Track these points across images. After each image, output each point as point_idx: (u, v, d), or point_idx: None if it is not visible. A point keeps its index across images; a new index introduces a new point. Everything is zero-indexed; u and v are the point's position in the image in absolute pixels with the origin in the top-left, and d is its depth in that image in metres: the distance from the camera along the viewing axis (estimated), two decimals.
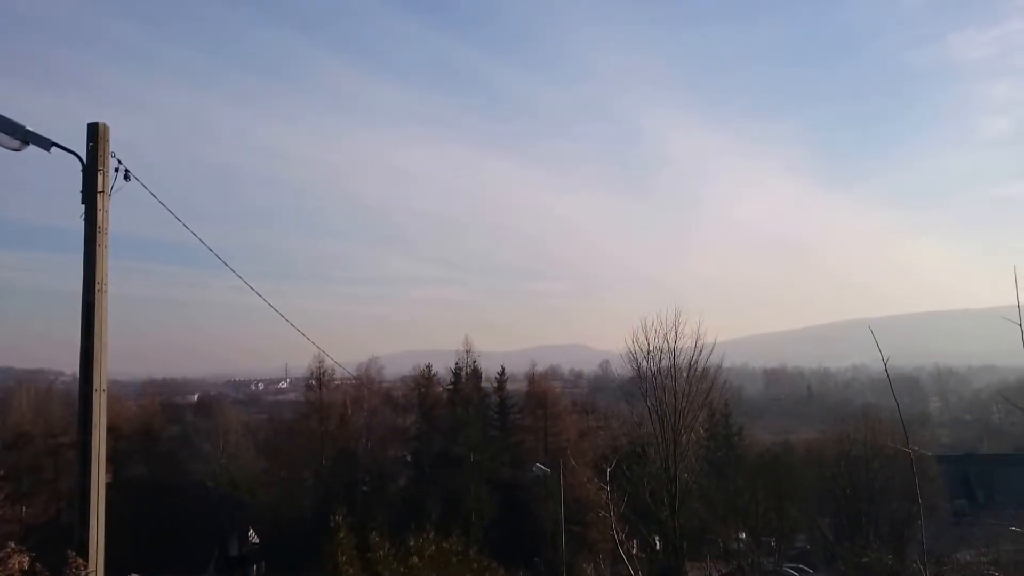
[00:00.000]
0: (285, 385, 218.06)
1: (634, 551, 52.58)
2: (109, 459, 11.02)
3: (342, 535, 33.30)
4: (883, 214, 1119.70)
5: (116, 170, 9.98)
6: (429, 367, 69.42)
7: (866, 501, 56.29)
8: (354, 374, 69.03)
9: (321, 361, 64.63)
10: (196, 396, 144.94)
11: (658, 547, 54.73)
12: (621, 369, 66.15)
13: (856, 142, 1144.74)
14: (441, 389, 68.44)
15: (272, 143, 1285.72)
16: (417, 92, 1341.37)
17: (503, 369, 69.36)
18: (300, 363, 73.22)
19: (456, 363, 66.38)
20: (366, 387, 69.16)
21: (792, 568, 56.86)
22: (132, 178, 10.07)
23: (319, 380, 66.05)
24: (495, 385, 68.53)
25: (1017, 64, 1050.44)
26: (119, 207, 9.92)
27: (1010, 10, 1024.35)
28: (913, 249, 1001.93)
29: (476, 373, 66.59)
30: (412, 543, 33.05)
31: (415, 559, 33.63)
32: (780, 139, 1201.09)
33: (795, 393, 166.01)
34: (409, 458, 67.37)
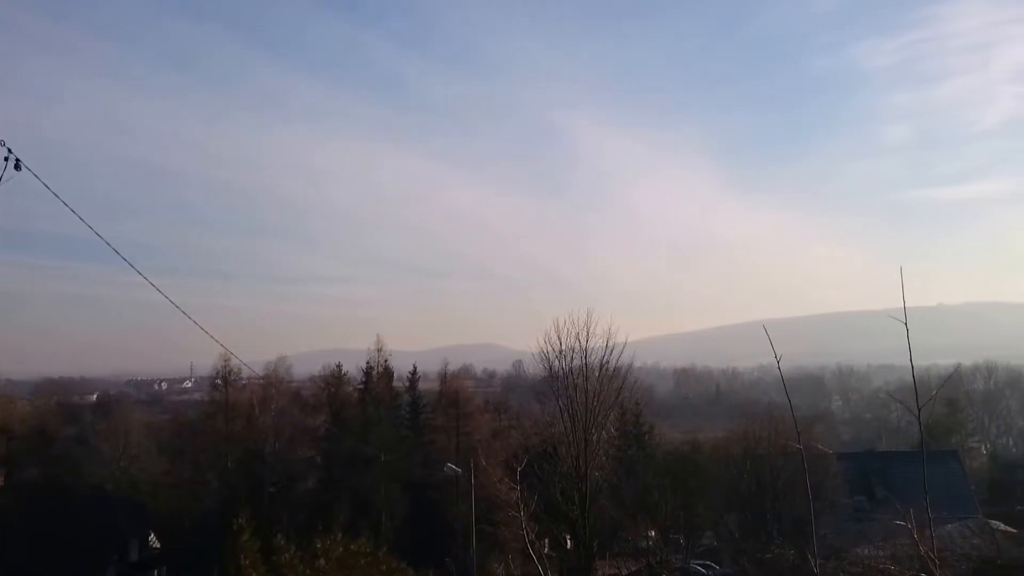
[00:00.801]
0: (190, 384, 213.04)
1: (545, 550, 52.67)
2: (1, 462, 10.31)
3: (245, 538, 32.39)
4: (790, 217, 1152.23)
5: (6, 159, 9.28)
6: (339, 366, 68.37)
7: (770, 498, 57.36)
8: (261, 373, 67.56)
9: (227, 360, 63.06)
10: (95, 396, 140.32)
11: (569, 546, 54.92)
12: (534, 368, 66.28)
13: (764, 146, 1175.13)
14: (351, 389, 67.47)
15: (187, 137, 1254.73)
16: (325, 86, 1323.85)
17: (415, 368, 68.75)
18: (206, 362, 71.45)
19: (367, 362, 65.52)
20: (274, 387, 67.79)
21: (699, 564, 57.60)
22: (23, 168, 9.42)
23: (225, 379, 64.42)
24: (407, 384, 67.88)
25: (918, 73, 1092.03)
26: (33, 201, 9.25)
27: (912, 21, 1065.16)
28: (818, 252, 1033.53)
29: (387, 372, 65.81)
30: (319, 545, 32.39)
31: (321, 561, 32.90)
32: (692, 142, 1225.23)
33: (704, 392, 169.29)
34: (318, 459, 66.19)
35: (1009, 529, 52.50)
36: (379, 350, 65.47)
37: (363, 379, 65.94)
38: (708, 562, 58.86)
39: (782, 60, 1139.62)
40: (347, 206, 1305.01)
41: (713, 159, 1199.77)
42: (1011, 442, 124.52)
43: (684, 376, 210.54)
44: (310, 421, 67.62)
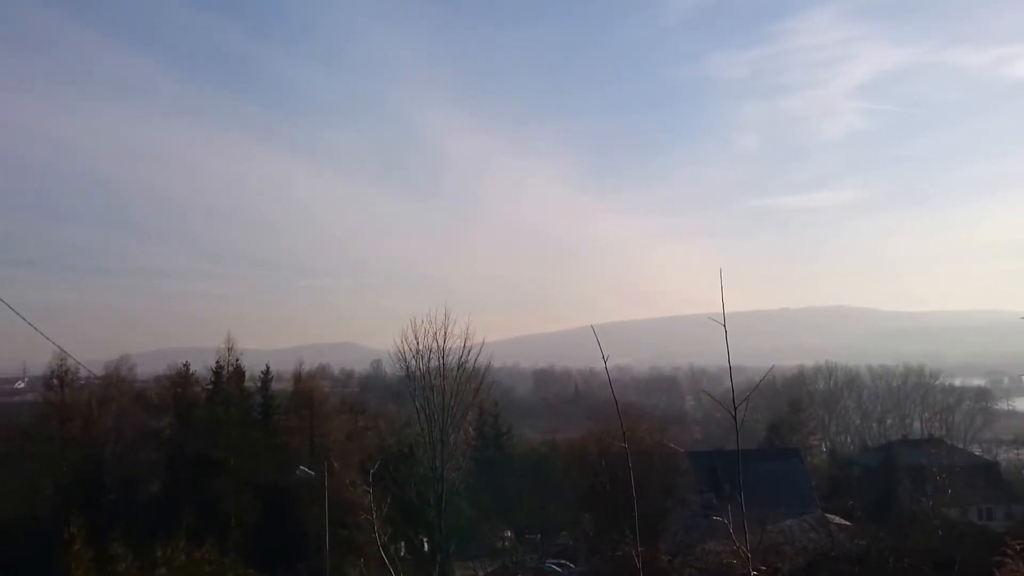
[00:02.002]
0: (22, 385, 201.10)
1: (401, 553, 51.92)
2: None
3: (77, 547, 30.59)
4: (650, 221, 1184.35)
5: None
6: (187, 365, 65.53)
7: (624, 496, 58.36)
8: (100, 373, 64.14)
9: (63, 359, 59.37)
10: None
11: (425, 548, 54.46)
12: (392, 368, 65.42)
13: (625, 151, 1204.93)
14: (200, 389, 64.73)
15: (27, 122, 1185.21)
16: (187, 79, 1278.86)
17: (268, 368, 66.62)
18: (40, 361, 67.21)
19: (217, 361, 62.89)
20: (115, 387, 64.52)
21: (555, 564, 58.08)
22: None
23: (60, 380, 60.68)
24: (259, 385, 65.69)
25: (768, 85, 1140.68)
26: None
27: (764, 35, 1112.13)
28: (676, 255, 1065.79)
29: (239, 372, 63.40)
30: (160, 553, 30.95)
31: (163, 570, 31.30)
32: (555, 145, 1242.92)
33: (563, 393, 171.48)
34: (163, 463, 63.28)
35: (844, 523, 54.92)
36: (230, 348, 62.95)
37: (212, 379, 63.36)
38: (564, 561, 59.42)
39: (642, 67, 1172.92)
40: (209, 200, 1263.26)
41: (575, 162, 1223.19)
42: (849, 440, 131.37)
43: (543, 377, 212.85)
44: (154, 423, 64.51)
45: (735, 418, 5.68)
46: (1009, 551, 7.01)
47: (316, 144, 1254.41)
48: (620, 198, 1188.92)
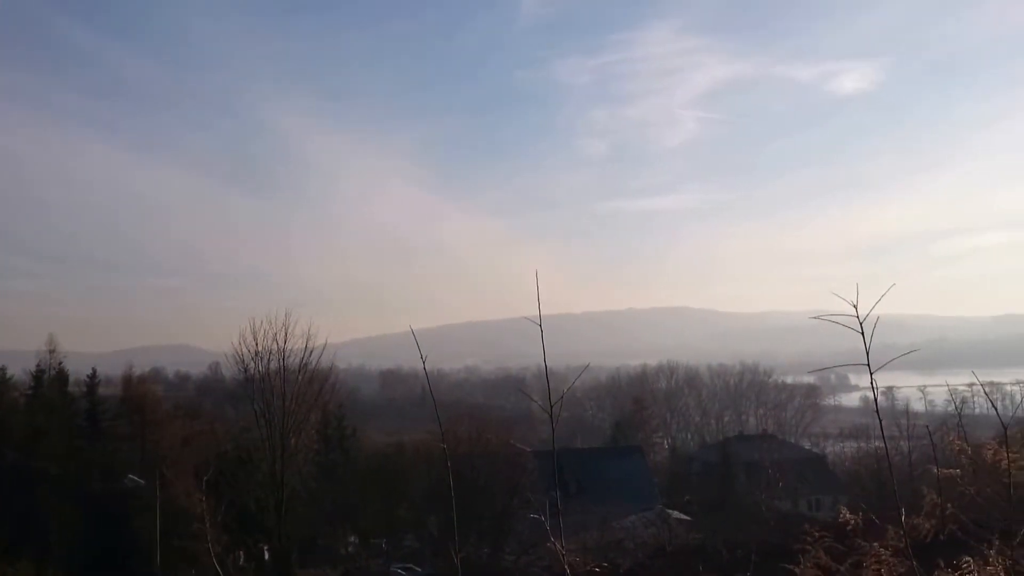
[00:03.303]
0: None
1: (240, 562, 50.01)
2: None
3: None
4: (499, 223, 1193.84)
5: None
6: (3, 369, 61.37)
7: (471, 497, 58.21)
8: None
9: None
10: None
11: (266, 556, 52.71)
12: (230, 371, 63.10)
13: (477, 152, 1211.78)
14: (18, 394, 60.71)
15: None
16: (16, 67, 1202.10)
17: (94, 372, 63.05)
18: None
19: (37, 365, 59.13)
20: None
21: (400, 568, 57.29)
22: None
23: None
24: (84, 390, 62.09)
25: (612, 93, 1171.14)
26: None
27: (609, 43, 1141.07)
28: (524, 257, 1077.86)
29: (62, 376, 59.83)
30: None
31: None
32: (404, 145, 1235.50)
33: (410, 394, 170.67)
34: None
35: (684, 517, 56.50)
36: (52, 351, 59.35)
37: (32, 384, 59.50)
38: (409, 565, 58.71)
39: (494, 70, 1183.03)
40: (36, 194, 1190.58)
41: (428, 163, 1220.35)
42: (689, 436, 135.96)
43: (390, 378, 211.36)
44: None
45: (551, 418, 5.46)
46: (808, 537, 7.16)
47: (160, 140, 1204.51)
48: (473, 200, 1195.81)
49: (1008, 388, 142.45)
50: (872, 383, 5.75)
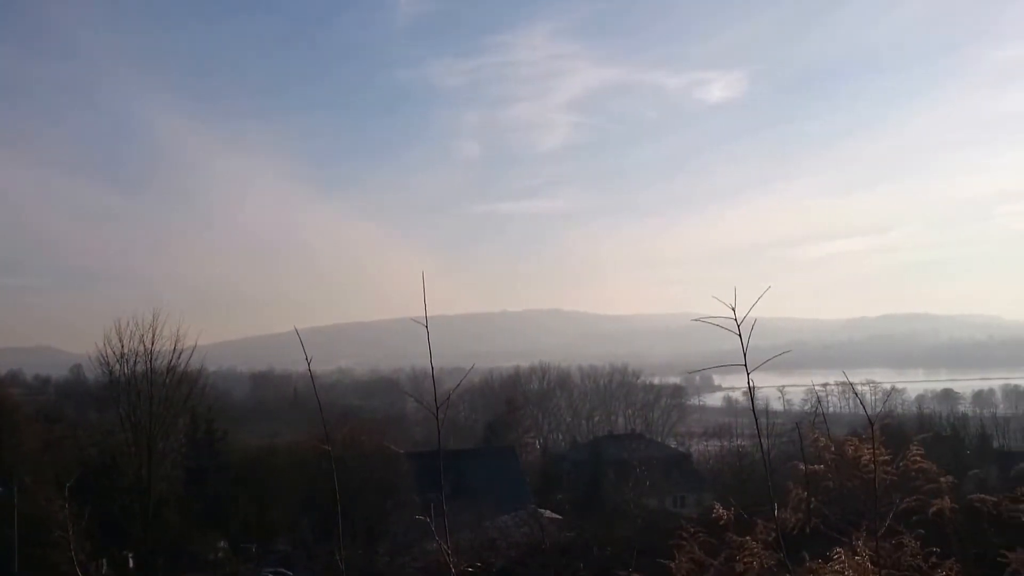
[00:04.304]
0: None
1: (103, 570, 48.53)
2: None
3: None
4: (372, 223, 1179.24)
5: None
6: None
7: (345, 499, 58.00)
8: None
9: None
10: None
11: (131, 564, 51.28)
12: (94, 374, 61.00)
13: (349, 152, 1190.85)
14: None
15: None
16: None
17: None
18: None
19: None
20: None
21: (271, 572, 56.64)
22: None
23: None
24: None
25: (486, 95, 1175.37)
26: None
27: (484, 46, 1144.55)
28: (397, 259, 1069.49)
29: None
30: None
31: None
32: (280, 143, 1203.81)
33: (282, 396, 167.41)
34: None
35: (555, 516, 57.80)
36: None
37: None
38: (281, 569, 58.07)
39: (367, 69, 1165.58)
40: None
41: (299, 161, 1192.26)
42: (560, 437, 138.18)
43: (262, 380, 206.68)
44: None
45: (437, 419, 5.86)
46: (683, 534, 7.67)
47: (12, 132, 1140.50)
48: (347, 200, 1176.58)
49: (859, 388, 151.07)
50: (749, 383, 5.91)
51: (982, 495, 8.00)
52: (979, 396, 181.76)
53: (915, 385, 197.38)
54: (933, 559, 7.07)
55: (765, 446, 25.61)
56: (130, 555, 51.26)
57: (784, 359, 6.48)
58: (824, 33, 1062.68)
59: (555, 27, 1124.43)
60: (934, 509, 7.51)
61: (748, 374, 5.81)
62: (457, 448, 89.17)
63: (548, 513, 58.71)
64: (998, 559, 7.42)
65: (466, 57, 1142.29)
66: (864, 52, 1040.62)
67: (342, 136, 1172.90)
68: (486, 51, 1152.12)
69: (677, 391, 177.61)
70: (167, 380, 46.67)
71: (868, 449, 7.32)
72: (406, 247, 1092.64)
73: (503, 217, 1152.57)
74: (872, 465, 7.00)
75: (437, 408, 5.82)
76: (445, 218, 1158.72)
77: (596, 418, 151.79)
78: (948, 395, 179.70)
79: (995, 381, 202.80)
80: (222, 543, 57.88)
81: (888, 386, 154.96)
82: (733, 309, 5.60)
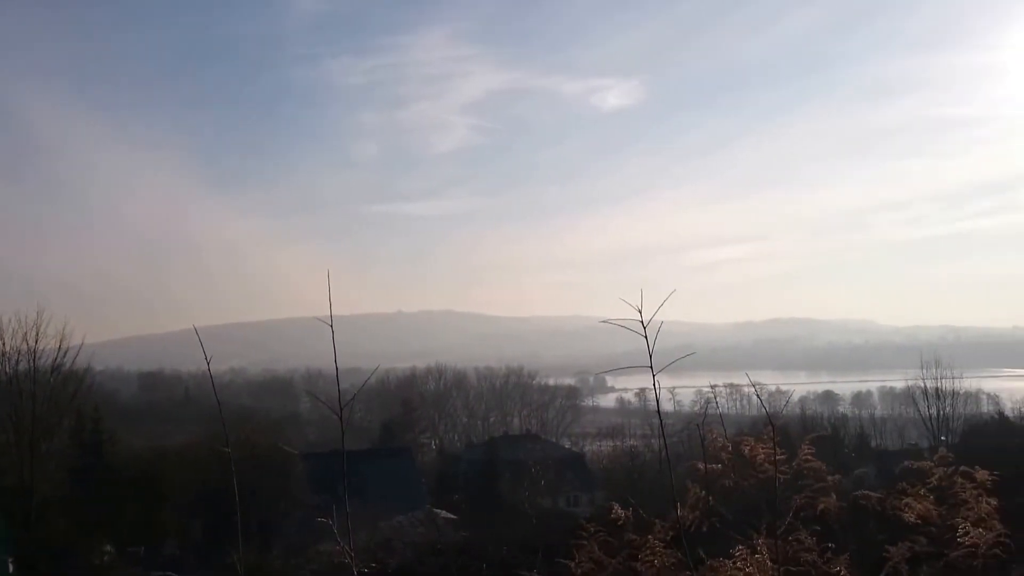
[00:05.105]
0: None
1: None
2: None
3: None
4: (267, 221, 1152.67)
5: None
6: None
7: (237, 501, 56.92)
8: None
9: None
10: None
11: (11, 568, 49.53)
12: None
13: (244, 148, 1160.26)
14: None
15: None
16: None
17: None
18: None
19: None
20: None
21: (158, 575, 55.34)
22: None
23: None
24: None
25: (384, 96, 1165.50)
26: None
27: (382, 46, 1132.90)
28: (291, 258, 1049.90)
29: None
30: None
31: None
32: (169, 137, 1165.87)
33: (173, 396, 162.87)
34: None
35: (451, 516, 58.10)
36: None
37: None
38: (169, 572, 56.78)
39: (262, 63, 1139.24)
40: None
41: (190, 157, 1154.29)
42: (456, 437, 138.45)
43: (151, 380, 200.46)
44: None
45: (341, 419, 5.82)
46: (585, 533, 7.89)
47: None
48: (240, 197, 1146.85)
49: (746, 390, 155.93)
50: (655, 385, 5.96)
51: (867, 492, 8.45)
52: (858, 397, 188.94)
53: (799, 387, 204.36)
54: (828, 555, 7.46)
55: (664, 446, 26.27)
56: (10, 560, 49.46)
57: (675, 362, 6.75)
58: (710, 43, 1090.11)
59: (454, 29, 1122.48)
60: (823, 506, 7.85)
61: (654, 376, 5.95)
62: (353, 449, 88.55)
63: (444, 513, 58.96)
64: (882, 554, 7.91)
65: (364, 57, 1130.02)
66: (747, 64, 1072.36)
67: (234, 133, 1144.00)
68: (384, 51, 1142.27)
69: (572, 392, 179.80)
70: (51, 379, 45.14)
71: (763, 448, 7.61)
72: (300, 247, 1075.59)
73: (400, 218, 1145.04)
74: (767, 464, 7.36)
75: (341, 408, 5.79)
76: (341, 218, 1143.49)
77: (492, 419, 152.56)
78: (829, 397, 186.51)
79: (872, 383, 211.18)
80: (108, 547, 56.23)
81: (773, 387, 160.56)
82: (639, 311, 5.71)
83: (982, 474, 8.08)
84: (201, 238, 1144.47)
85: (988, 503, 7.88)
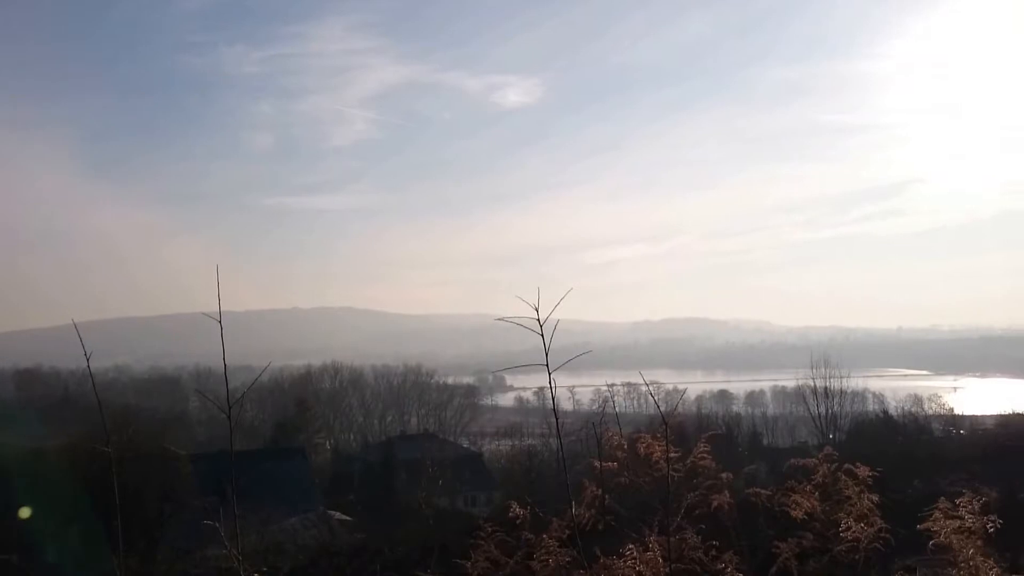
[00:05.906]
0: None
1: None
2: None
3: None
4: (156, 213, 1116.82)
5: None
6: None
7: (121, 505, 54.84)
8: None
9: None
10: None
11: None
12: None
13: (132, 138, 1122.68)
14: None
15: None
16: None
17: None
18: None
19: None
20: None
21: None
22: None
23: None
24: None
25: (280, 86, 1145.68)
26: None
27: (279, 36, 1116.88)
28: (181, 251, 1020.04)
29: None
30: None
31: None
32: (50, 125, 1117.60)
33: (51, 395, 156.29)
34: None
35: (345, 517, 57.21)
36: None
37: None
38: None
39: (151, 50, 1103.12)
40: None
41: (73, 145, 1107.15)
42: (352, 437, 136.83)
43: (27, 377, 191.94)
44: None
45: (229, 418, 5.50)
46: (482, 533, 7.68)
47: None
48: (127, 188, 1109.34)
49: (643, 388, 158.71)
50: (550, 383, 5.97)
51: (756, 489, 8.46)
52: (751, 396, 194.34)
53: (694, 386, 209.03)
54: (713, 552, 7.42)
55: (560, 445, 26.29)
56: None
57: (573, 360, 6.65)
58: (608, 45, 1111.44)
59: (353, 21, 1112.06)
60: (715, 504, 7.87)
61: (550, 374, 5.92)
62: (244, 449, 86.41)
63: (338, 515, 57.97)
64: (771, 550, 7.90)
65: (260, 46, 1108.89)
66: (642, 65, 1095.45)
67: (123, 121, 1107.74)
68: (280, 41, 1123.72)
69: (470, 391, 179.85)
70: None
71: (659, 446, 7.58)
72: (189, 239, 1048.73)
73: (297, 212, 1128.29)
74: (663, 462, 7.27)
75: (230, 407, 5.46)
76: (233, 210, 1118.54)
77: (389, 418, 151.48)
78: (724, 395, 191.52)
79: (765, 382, 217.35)
80: None
81: (670, 386, 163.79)
82: (536, 310, 5.69)
83: (864, 471, 8.22)
84: (80, 229, 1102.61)
85: (870, 499, 8.03)
